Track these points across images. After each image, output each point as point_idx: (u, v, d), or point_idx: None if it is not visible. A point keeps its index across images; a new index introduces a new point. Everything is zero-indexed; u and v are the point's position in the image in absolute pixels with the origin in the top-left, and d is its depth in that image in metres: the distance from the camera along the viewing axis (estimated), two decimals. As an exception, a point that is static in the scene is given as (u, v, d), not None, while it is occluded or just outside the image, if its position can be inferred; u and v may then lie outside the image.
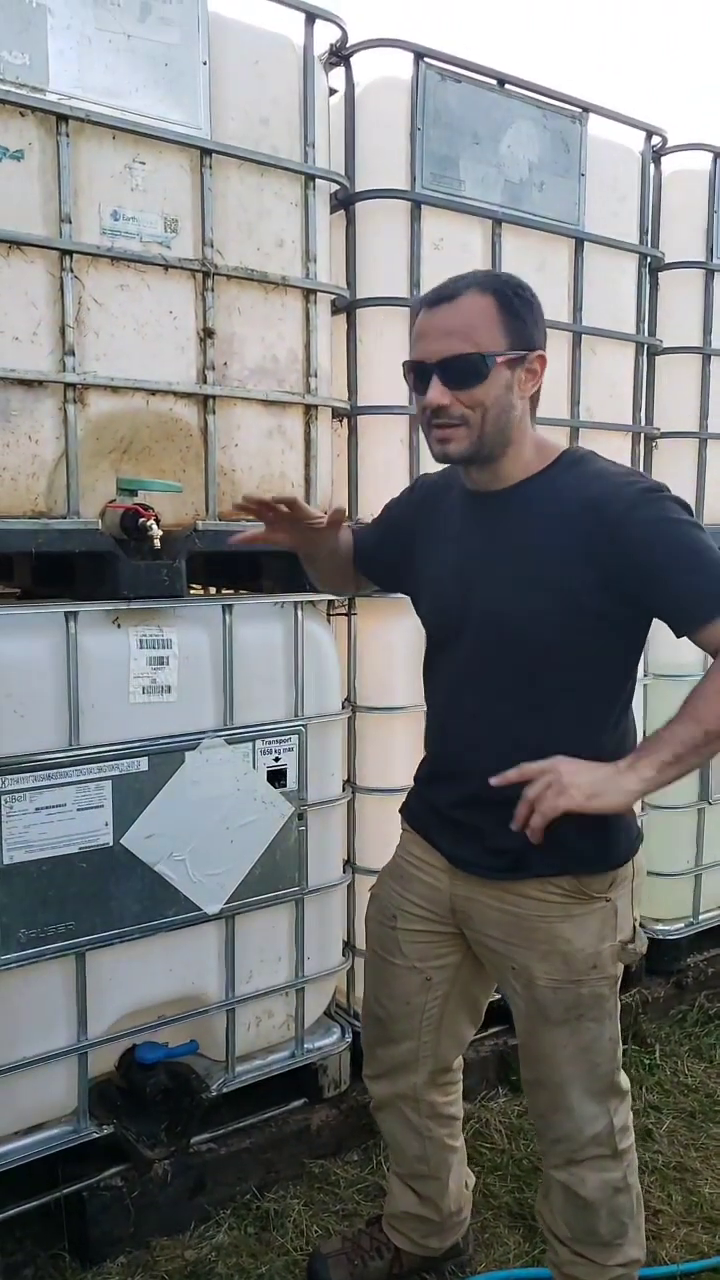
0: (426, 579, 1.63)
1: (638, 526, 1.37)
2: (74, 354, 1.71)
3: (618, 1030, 1.58)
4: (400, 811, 1.76)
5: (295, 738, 2.05)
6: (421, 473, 1.76)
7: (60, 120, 1.66)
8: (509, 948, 1.54)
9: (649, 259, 2.66)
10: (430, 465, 2.23)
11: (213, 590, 2.41)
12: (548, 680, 1.46)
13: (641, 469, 2.70)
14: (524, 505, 1.47)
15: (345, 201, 2.18)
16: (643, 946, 1.59)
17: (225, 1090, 2.04)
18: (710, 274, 2.76)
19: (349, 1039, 2.26)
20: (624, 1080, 1.60)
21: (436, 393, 1.39)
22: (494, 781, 1.41)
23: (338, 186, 2.10)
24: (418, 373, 1.43)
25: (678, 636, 1.41)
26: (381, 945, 1.71)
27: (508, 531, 1.48)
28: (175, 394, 1.84)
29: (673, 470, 2.76)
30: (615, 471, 1.48)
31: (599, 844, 1.49)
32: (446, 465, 1.54)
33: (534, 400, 1.49)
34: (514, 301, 1.41)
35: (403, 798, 2.26)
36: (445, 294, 1.41)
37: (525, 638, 1.45)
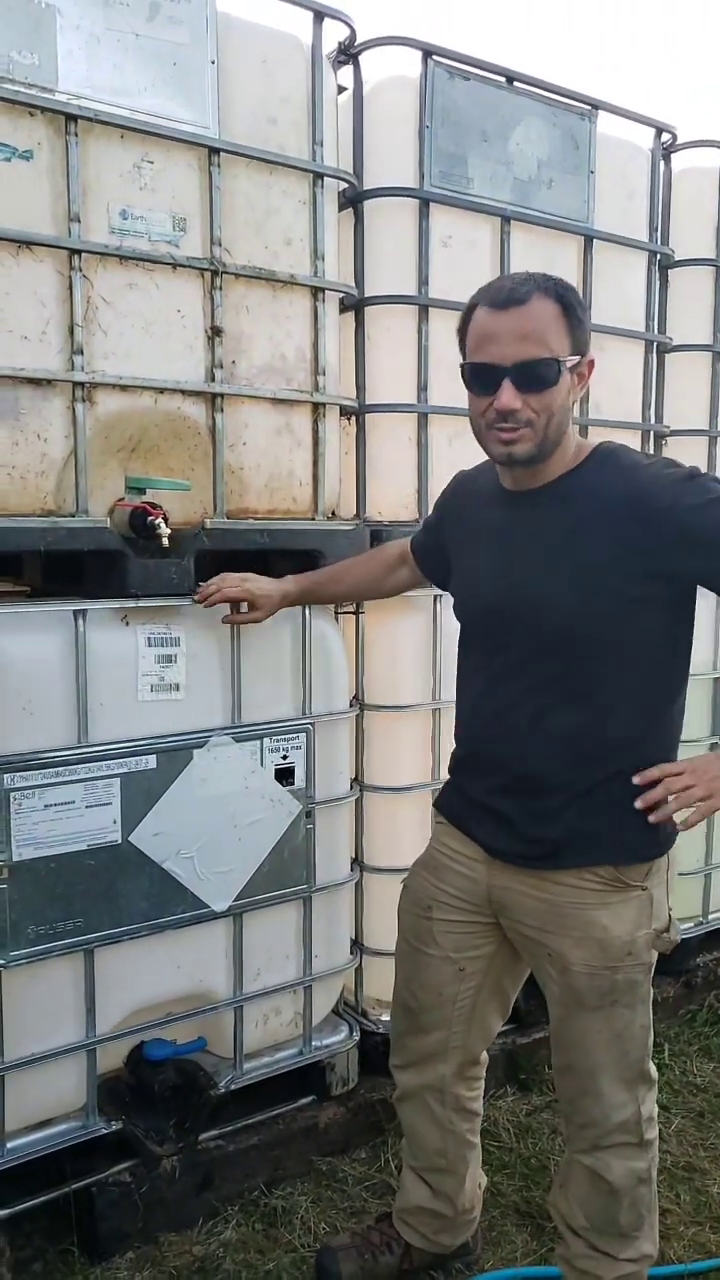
0: (463, 573, 1.67)
1: (689, 512, 1.40)
2: (83, 353, 1.72)
3: (649, 1018, 1.59)
4: (434, 805, 1.78)
5: (303, 736, 2.05)
6: (458, 469, 1.80)
7: (69, 120, 1.67)
8: (545, 934, 1.56)
9: (659, 256, 2.65)
10: (439, 464, 2.26)
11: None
12: (590, 670, 1.48)
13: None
14: (563, 500, 1.50)
15: (353, 199, 2.18)
16: (678, 935, 1.60)
17: (233, 1087, 2.04)
18: (720, 271, 2.75)
19: (357, 1037, 2.26)
20: (653, 1070, 1.61)
21: (509, 396, 1.41)
22: (638, 780, 1.47)
23: (346, 184, 2.10)
24: (485, 375, 1.43)
25: None
26: (415, 935, 1.72)
27: (548, 525, 1.50)
28: (183, 392, 1.85)
29: (682, 468, 2.75)
30: (651, 462, 1.51)
31: (638, 835, 1.51)
32: (481, 462, 1.59)
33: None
34: (575, 307, 1.45)
35: (409, 795, 2.30)
36: (514, 297, 1.42)
37: (568, 628, 1.46)
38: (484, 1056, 1.82)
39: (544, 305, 1.42)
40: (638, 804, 1.48)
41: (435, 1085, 1.75)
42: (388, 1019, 2.30)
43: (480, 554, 1.61)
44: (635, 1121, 1.58)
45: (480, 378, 1.45)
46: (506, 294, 1.42)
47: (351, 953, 2.30)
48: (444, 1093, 1.75)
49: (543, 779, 1.52)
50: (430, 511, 1.87)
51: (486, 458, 1.57)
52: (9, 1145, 1.80)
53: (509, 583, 1.53)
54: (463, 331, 1.50)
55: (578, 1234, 1.64)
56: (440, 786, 2.27)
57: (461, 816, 1.67)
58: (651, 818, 1.48)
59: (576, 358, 1.45)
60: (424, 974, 1.71)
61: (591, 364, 1.49)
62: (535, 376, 1.41)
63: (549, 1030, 1.64)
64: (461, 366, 1.50)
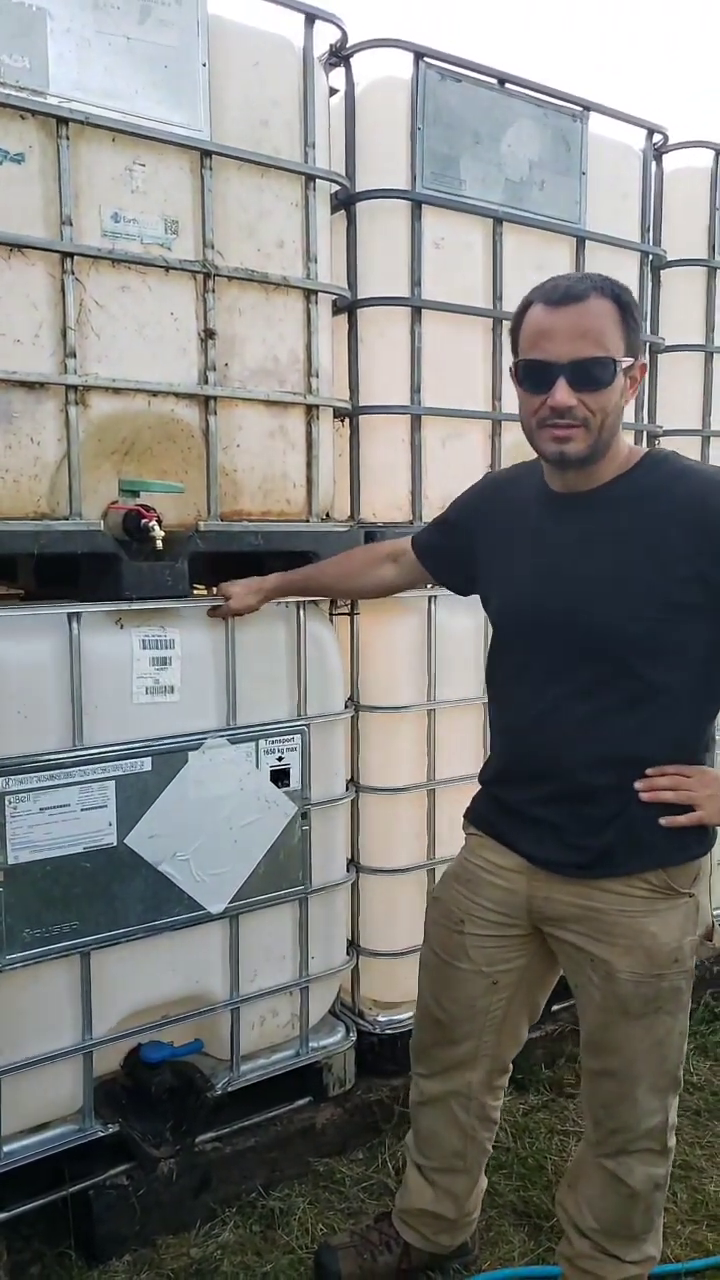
0: (500, 577, 1.64)
1: None
2: (75, 356, 1.72)
3: (687, 1024, 1.60)
4: (466, 816, 1.76)
5: (298, 737, 2.05)
6: (489, 470, 1.79)
7: (60, 123, 1.67)
8: (589, 942, 1.55)
9: (651, 257, 2.66)
10: (432, 465, 2.26)
11: (215, 590, 2.41)
12: (641, 674, 1.47)
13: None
14: (613, 504, 1.49)
15: (346, 201, 2.18)
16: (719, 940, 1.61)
17: (230, 1089, 2.05)
18: (712, 272, 2.76)
19: (354, 1038, 2.26)
20: (681, 1076, 1.62)
21: (564, 393, 1.40)
22: (640, 785, 1.48)
23: (338, 186, 2.10)
24: (539, 372, 1.42)
25: None
26: (445, 949, 1.71)
27: (598, 529, 1.49)
28: (176, 395, 1.85)
29: (676, 468, 2.76)
30: (705, 470, 1.52)
31: (682, 837, 1.51)
32: (513, 465, 1.60)
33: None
34: (632, 309, 1.44)
35: (405, 796, 2.30)
36: (572, 294, 1.40)
37: (619, 632, 1.46)
38: (510, 1065, 1.81)
39: (602, 304, 1.40)
40: (637, 785, 1.49)
41: (462, 1092, 1.75)
42: (384, 1019, 2.33)
43: (523, 558, 1.58)
44: (662, 1129, 1.59)
45: (534, 375, 1.43)
46: (564, 291, 1.41)
47: (348, 954, 2.30)
48: (470, 1100, 1.75)
49: (593, 785, 1.51)
50: (446, 510, 1.82)
51: (484, 460, 1.57)
52: (6, 1149, 1.80)
53: (557, 586, 1.51)
54: (516, 330, 1.48)
55: (585, 1234, 1.64)
56: (436, 788, 2.31)
57: (499, 827, 1.66)
58: (643, 794, 1.49)
59: (630, 360, 1.44)
60: (454, 988, 1.70)
61: (644, 368, 1.49)
62: (591, 375, 1.40)
63: (583, 1036, 1.63)
64: (514, 365, 1.49)
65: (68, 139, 1.68)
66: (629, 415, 2.61)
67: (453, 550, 1.77)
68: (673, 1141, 1.62)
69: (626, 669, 1.47)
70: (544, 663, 1.55)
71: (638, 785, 1.50)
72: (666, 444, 2.79)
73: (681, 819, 1.49)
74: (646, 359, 1.48)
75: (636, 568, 1.44)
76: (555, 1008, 2.46)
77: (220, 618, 1.92)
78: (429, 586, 2.23)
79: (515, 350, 1.49)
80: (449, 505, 1.82)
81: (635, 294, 2.56)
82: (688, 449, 2.79)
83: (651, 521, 1.44)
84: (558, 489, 1.55)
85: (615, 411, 1.44)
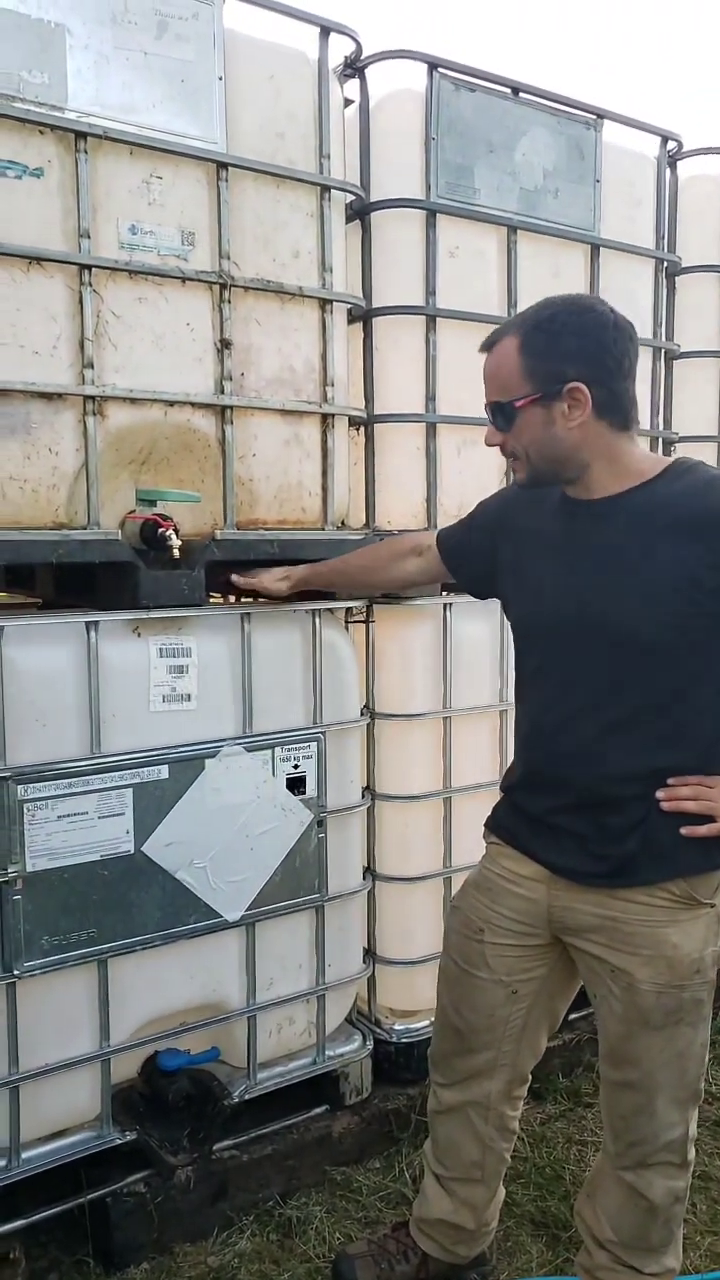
0: (522, 584, 1.65)
1: None
2: (93, 367, 1.73)
3: (709, 1035, 1.59)
4: (486, 825, 1.76)
5: (314, 745, 2.05)
6: (467, 478, 1.83)
7: (79, 137, 1.68)
8: (610, 952, 1.55)
9: (665, 263, 2.66)
10: (447, 473, 2.27)
11: (231, 599, 2.43)
12: (661, 681, 1.48)
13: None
14: (635, 511, 1.49)
15: (361, 211, 2.20)
16: None
17: (247, 1097, 2.05)
18: (727, 277, 2.76)
19: (370, 1046, 2.26)
20: (702, 1088, 1.61)
21: (489, 433, 1.54)
22: (662, 795, 1.49)
23: (353, 196, 2.11)
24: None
25: None
26: (464, 958, 1.71)
27: (619, 537, 1.49)
28: (193, 405, 1.86)
29: (691, 474, 2.75)
30: None
31: (705, 847, 1.51)
32: None
33: (617, 418, 1.48)
34: (535, 340, 1.45)
35: (421, 803, 2.30)
36: (490, 339, 1.52)
37: (638, 637, 1.46)
38: (529, 1076, 1.80)
39: (505, 346, 1.48)
40: (659, 794, 1.49)
41: (480, 1102, 1.74)
42: (401, 1027, 2.32)
43: (544, 564, 1.59)
44: (682, 1142, 1.58)
45: None
46: (488, 339, 1.53)
47: (364, 962, 2.30)
48: (489, 1110, 1.74)
49: (614, 794, 1.51)
50: (474, 510, 1.83)
51: (499, 468, 1.60)
52: (25, 1155, 1.81)
53: (577, 592, 1.52)
54: None
55: (603, 1246, 1.63)
56: (451, 795, 2.31)
57: (521, 835, 1.66)
58: (664, 803, 1.49)
59: (536, 394, 1.45)
60: (474, 997, 1.69)
61: (578, 389, 1.44)
62: (498, 417, 1.52)
63: (603, 1047, 1.62)
64: None
65: (86, 153, 1.69)
66: (644, 422, 2.63)
67: (475, 550, 1.78)
68: (692, 1154, 1.61)
69: (647, 676, 1.47)
70: (564, 669, 1.55)
71: (659, 794, 1.49)
72: (681, 450, 2.78)
73: (701, 829, 1.49)
74: (579, 381, 1.45)
75: (658, 575, 1.44)
76: (572, 1016, 2.43)
77: (245, 587, 1.96)
78: (444, 594, 2.24)
79: None
80: (476, 506, 1.83)
81: (650, 301, 2.60)
82: (703, 455, 2.78)
83: (675, 530, 1.44)
84: (574, 496, 1.56)
85: (539, 443, 1.49)
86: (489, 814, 1.76)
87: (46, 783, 1.74)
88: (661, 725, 1.49)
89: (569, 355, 1.45)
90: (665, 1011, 1.52)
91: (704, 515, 1.44)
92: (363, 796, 2.23)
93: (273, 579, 1.95)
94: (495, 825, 1.74)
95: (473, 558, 1.78)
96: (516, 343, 1.46)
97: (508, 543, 1.69)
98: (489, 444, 1.54)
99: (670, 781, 1.49)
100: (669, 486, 1.49)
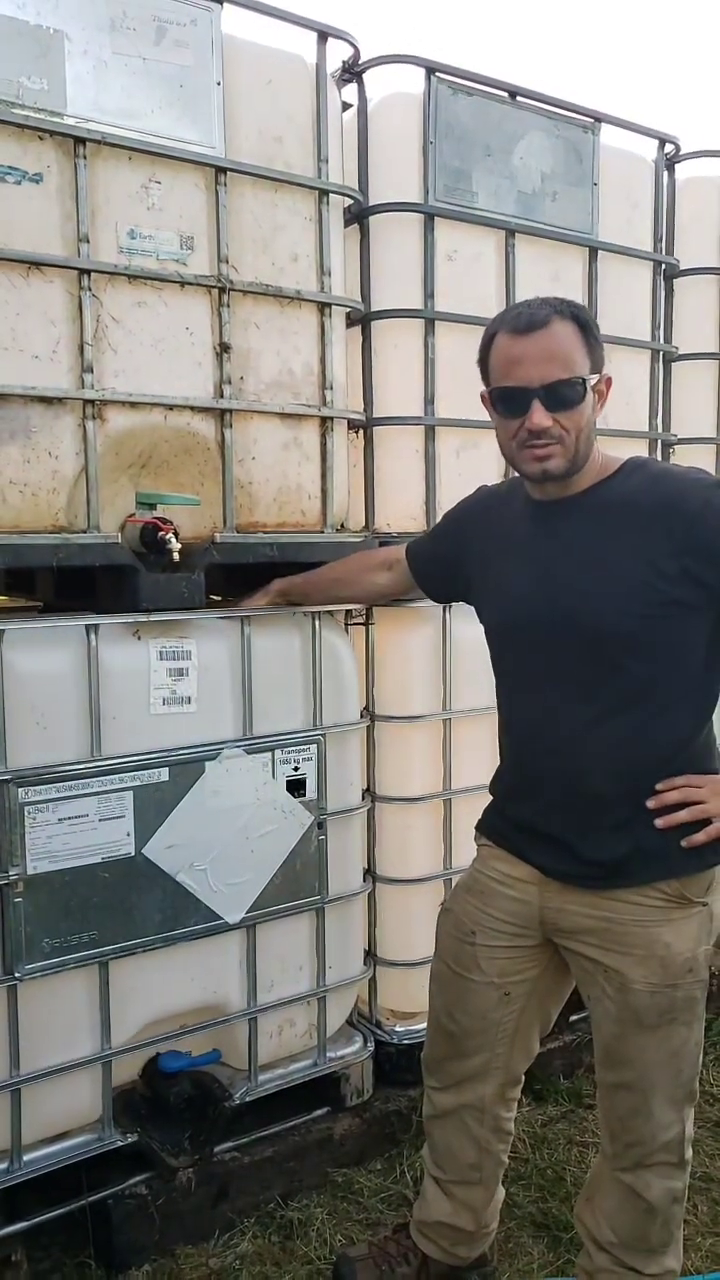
0: (494, 588, 1.67)
1: (717, 516, 1.44)
2: (93, 371, 1.74)
3: (703, 1035, 1.59)
4: (477, 827, 1.77)
5: (314, 747, 2.06)
6: (465, 480, 1.83)
7: (78, 143, 1.69)
8: (603, 953, 1.55)
9: (664, 266, 2.66)
10: (446, 475, 2.27)
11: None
12: (637, 673, 1.49)
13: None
14: (596, 509, 1.53)
15: (359, 215, 2.20)
16: None
17: (248, 1099, 2.05)
18: (726, 280, 2.76)
19: (371, 1048, 2.26)
20: (697, 1087, 1.61)
21: (540, 415, 1.46)
22: (652, 804, 1.49)
23: (351, 200, 2.12)
24: (514, 398, 1.48)
25: None
26: (457, 961, 1.71)
27: (583, 532, 1.53)
28: (192, 409, 1.87)
29: (690, 476, 2.76)
30: (682, 470, 1.56)
31: (697, 847, 1.51)
32: (507, 479, 1.60)
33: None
34: (591, 327, 1.50)
35: (421, 806, 2.30)
36: (536, 321, 1.46)
37: (610, 630, 1.48)
38: (522, 1077, 1.80)
39: (564, 327, 1.47)
40: (650, 804, 1.50)
41: (475, 1105, 1.74)
42: (402, 1029, 2.33)
43: (514, 567, 1.61)
44: (679, 1141, 1.58)
45: (509, 401, 1.49)
46: (527, 319, 1.47)
47: (365, 963, 2.30)
48: (484, 1112, 1.74)
49: (598, 791, 1.52)
50: (440, 521, 1.88)
51: (497, 470, 1.60)
52: (26, 1158, 1.81)
53: (547, 591, 1.54)
54: (484, 360, 1.54)
55: (603, 1248, 1.63)
56: (451, 797, 2.31)
57: (511, 838, 1.66)
58: (658, 822, 1.49)
59: (597, 376, 1.50)
60: (467, 1000, 1.69)
61: (609, 381, 1.53)
62: (563, 396, 1.46)
63: (597, 1049, 1.62)
64: (486, 393, 1.55)
65: (85, 158, 1.70)
66: (643, 424, 2.64)
67: (445, 560, 1.80)
68: (690, 1154, 1.61)
69: (621, 669, 1.49)
70: (539, 669, 1.57)
71: (650, 804, 1.50)
72: (681, 452, 2.79)
73: (699, 837, 1.49)
74: (610, 373, 1.51)
75: (623, 568, 1.47)
76: (573, 1018, 2.45)
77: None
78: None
79: (486, 379, 1.55)
80: (443, 516, 1.86)
81: (648, 303, 2.61)
82: (702, 457, 2.80)
83: (634, 523, 1.48)
84: (538, 497, 1.59)
85: (588, 426, 1.50)
86: (479, 816, 1.77)
87: (47, 785, 1.74)
88: (637, 717, 1.50)
89: (602, 347, 1.52)
90: (659, 1011, 1.52)
91: (658, 505, 1.47)
92: (363, 799, 2.23)
93: (250, 601, 1.99)
94: (486, 827, 1.74)
95: (441, 569, 1.81)
96: (575, 326, 1.47)
97: (477, 548, 1.71)
98: (540, 426, 1.45)
99: (658, 787, 1.50)
100: (624, 483, 1.53)
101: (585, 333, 1.48)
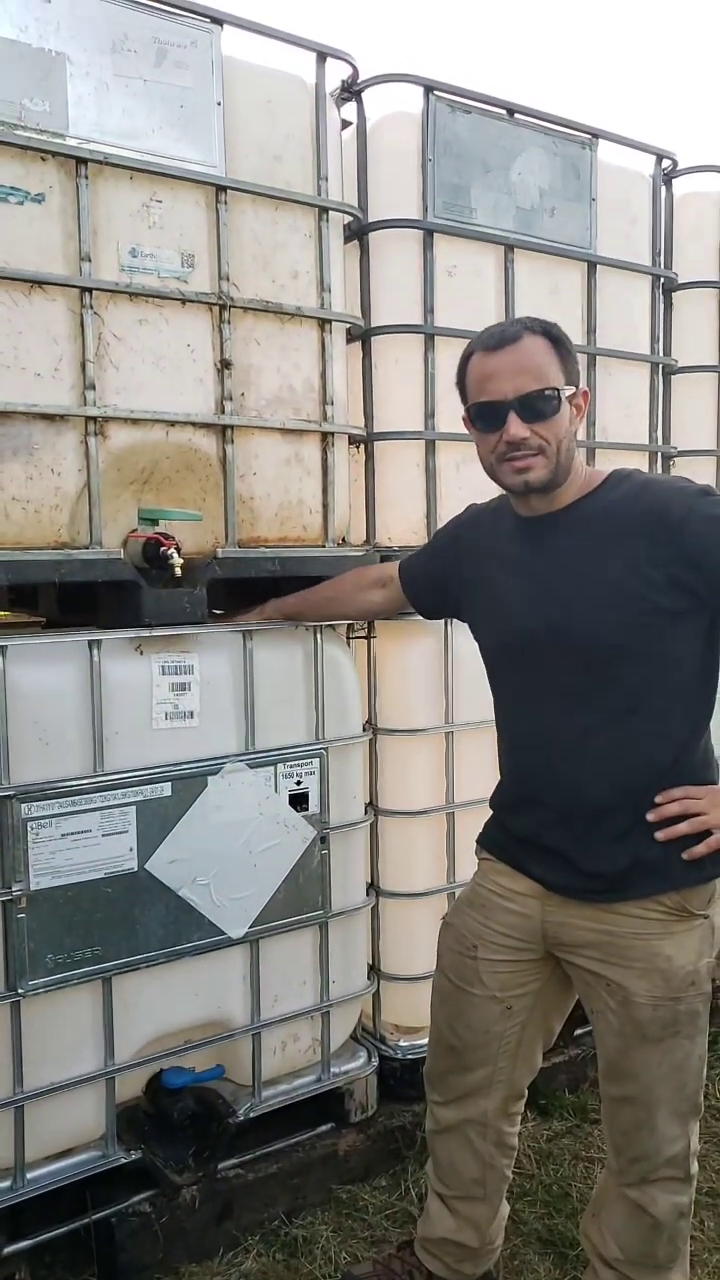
0: (486, 605, 1.69)
1: (701, 523, 1.44)
2: (95, 388, 1.75)
3: (706, 1048, 1.59)
4: (478, 841, 1.77)
5: (316, 761, 2.06)
6: (466, 494, 1.85)
7: (80, 163, 1.71)
8: (605, 966, 1.55)
9: (662, 280, 2.68)
10: (447, 489, 2.28)
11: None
12: (630, 683, 1.49)
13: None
14: (582, 521, 1.54)
15: (359, 232, 2.22)
16: None
17: (252, 1115, 2.04)
18: (724, 293, 2.78)
19: (375, 1063, 2.25)
20: (702, 1101, 1.60)
21: (516, 426, 1.48)
22: (651, 817, 1.50)
23: (351, 217, 2.14)
24: (490, 412, 1.50)
25: None
26: (458, 975, 1.71)
27: (570, 545, 1.54)
28: (194, 425, 1.88)
29: (690, 488, 2.77)
30: (666, 480, 1.58)
31: (697, 859, 1.51)
32: (495, 496, 1.65)
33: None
34: (564, 342, 1.52)
35: (423, 819, 2.30)
36: (506, 337, 1.50)
37: (602, 641, 1.49)
38: (525, 1091, 1.79)
39: (535, 341, 1.50)
40: (650, 817, 1.50)
41: (478, 1119, 1.73)
42: (406, 1044, 2.32)
43: (504, 583, 1.62)
44: (684, 1156, 1.57)
45: (485, 416, 1.52)
46: (498, 336, 1.51)
47: (369, 978, 2.30)
48: (486, 1127, 1.73)
49: (596, 803, 1.53)
50: (431, 540, 1.89)
51: (494, 484, 1.60)
52: (30, 1175, 1.80)
53: (539, 606, 1.55)
54: (462, 380, 1.57)
55: (610, 1265, 1.62)
56: (454, 811, 2.31)
57: (512, 852, 1.66)
58: (659, 835, 1.49)
59: (572, 388, 1.51)
60: (469, 1014, 1.69)
61: (586, 395, 1.56)
62: (537, 408, 1.48)
63: (601, 1063, 1.62)
64: (466, 411, 1.57)
65: (87, 178, 1.72)
66: (643, 437, 2.65)
67: (436, 578, 1.82)
68: (695, 1168, 1.60)
69: (614, 679, 1.50)
70: (534, 683, 1.58)
71: (650, 817, 1.50)
72: (681, 464, 2.80)
73: (700, 849, 1.49)
74: (586, 386, 1.54)
75: (612, 579, 1.48)
76: (577, 1032, 2.44)
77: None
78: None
79: (464, 399, 1.58)
80: (435, 534, 1.88)
81: (647, 317, 2.63)
82: (702, 469, 2.80)
83: (621, 534, 1.49)
84: (524, 513, 1.60)
85: (567, 437, 1.51)
86: (480, 830, 1.77)
87: (50, 801, 1.74)
88: (633, 727, 1.50)
89: (576, 362, 1.55)
90: (661, 1024, 1.52)
91: (644, 515, 1.48)
92: (365, 812, 2.23)
93: (243, 618, 2.00)
94: (486, 841, 1.74)
95: (432, 587, 1.83)
96: (546, 341, 1.50)
97: (469, 566, 1.72)
98: (518, 438, 1.47)
99: (658, 800, 1.50)
100: (610, 495, 1.54)
101: (558, 346, 1.50)
